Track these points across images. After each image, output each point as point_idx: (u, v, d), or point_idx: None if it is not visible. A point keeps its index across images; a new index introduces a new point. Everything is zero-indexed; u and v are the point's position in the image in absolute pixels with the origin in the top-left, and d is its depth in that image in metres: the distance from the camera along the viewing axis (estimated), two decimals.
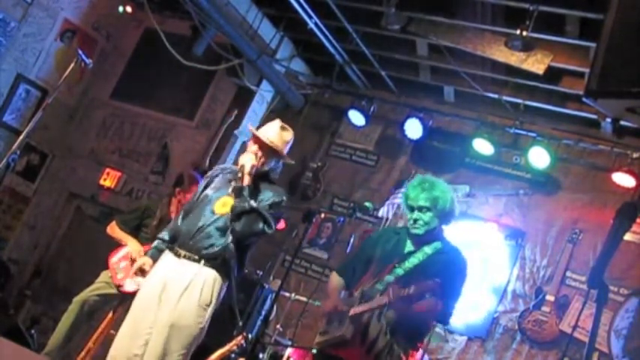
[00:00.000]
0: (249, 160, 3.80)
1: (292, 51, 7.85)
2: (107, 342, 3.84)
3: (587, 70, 5.66)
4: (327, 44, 7.00)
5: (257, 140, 3.88)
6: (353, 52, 7.21)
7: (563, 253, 6.37)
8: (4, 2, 7.44)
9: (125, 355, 3.62)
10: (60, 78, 4.47)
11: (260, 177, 3.85)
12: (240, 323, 5.82)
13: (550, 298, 6.23)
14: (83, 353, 4.72)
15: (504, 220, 6.79)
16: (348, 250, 6.61)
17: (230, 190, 3.83)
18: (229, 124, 7.31)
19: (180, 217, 3.93)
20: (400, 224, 6.58)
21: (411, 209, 3.81)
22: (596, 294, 2.44)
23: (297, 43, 7.82)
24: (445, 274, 3.53)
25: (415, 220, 3.77)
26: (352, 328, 3.56)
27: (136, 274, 3.91)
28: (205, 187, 3.95)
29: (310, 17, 6.60)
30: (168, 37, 6.89)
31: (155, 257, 3.85)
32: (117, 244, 5.35)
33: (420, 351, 5.47)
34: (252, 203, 3.70)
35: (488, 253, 6.65)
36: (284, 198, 3.87)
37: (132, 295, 3.94)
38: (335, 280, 3.98)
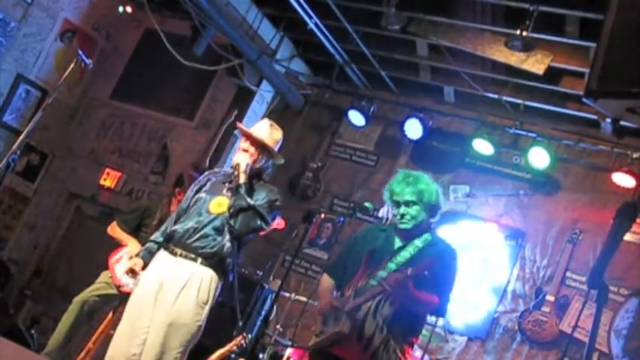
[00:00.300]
0: (243, 158, 3.84)
1: (292, 51, 7.85)
2: (107, 342, 3.84)
3: (587, 70, 5.66)
4: (327, 44, 7.00)
5: (248, 138, 3.91)
6: (353, 52, 7.21)
7: (563, 253, 6.37)
8: (4, 2, 7.44)
9: (123, 355, 3.63)
10: (60, 78, 4.47)
11: (253, 177, 3.88)
12: (240, 323, 5.82)
13: (550, 298, 6.23)
14: (83, 353, 4.72)
15: (504, 221, 6.79)
16: None
17: (225, 190, 3.86)
18: (229, 124, 7.32)
19: (173, 220, 3.95)
20: None
21: (397, 204, 3.79)
22: (596, 294, 2.43)
23: (297, 43, 7.82)
24: (438, 265, 3.51)
25: (402, 215, 3.76)
26: (349, 324, 3.54)
27: (126, 273, 3.92)
28: (197, 192, 3.97)
29: (310, 17, 6.60)
30: (168, 37, 6.89)
31: (146, 258, 3.86)
32: (117, 245, 5.36)
33: (415, 346, 5.48)
34: (250, 200, 3.73)
35: (488, 253, 6.65)
36: (279, 196, 3.91)
37: None
38: (326, 280, 3.93)
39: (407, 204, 3.76)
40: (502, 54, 5.92)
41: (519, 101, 6.81)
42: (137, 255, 3.95)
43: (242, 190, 3.74)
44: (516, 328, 6.32)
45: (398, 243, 3.79)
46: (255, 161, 3.87)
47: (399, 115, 7.41)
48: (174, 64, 6.98)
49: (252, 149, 3.88)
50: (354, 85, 7.82)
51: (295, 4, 6.43)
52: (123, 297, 4.84)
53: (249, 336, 5.17)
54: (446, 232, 6.49)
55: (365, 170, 7.63)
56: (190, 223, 3.79)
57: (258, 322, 6.27)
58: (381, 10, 6.31)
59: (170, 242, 3.82)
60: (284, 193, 7.38)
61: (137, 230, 5.39)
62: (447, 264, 3.69)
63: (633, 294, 5.97)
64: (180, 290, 3.65)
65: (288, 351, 5.62)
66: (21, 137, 4.25)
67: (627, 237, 5.49)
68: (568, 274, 6.30)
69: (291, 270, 5.46)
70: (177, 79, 8.07)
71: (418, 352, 5.56)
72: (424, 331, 5.71)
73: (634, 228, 5.49)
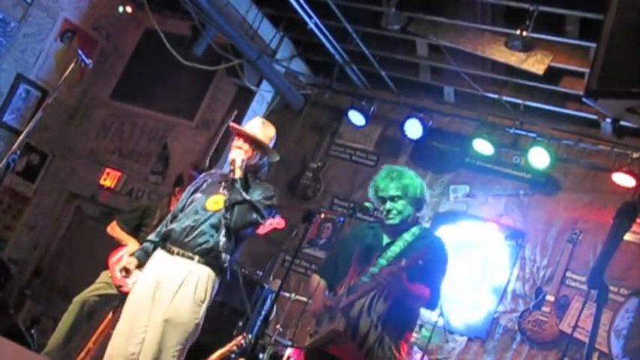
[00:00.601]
0: (239, 154, 3.87)
1: (292, 51, 7.85)
2: (107, 342, 3.84)
3: (587, 70, 5.66)
4: (327, 44, 7.00)
5: (242, 136, 3.93)
6: (353, 52, 7.21)
7: (563, 253, 6.37)
8: (4, 2, 7.44)
9: (122, 355, 3.64)
10: (60, 78, 4.47)
11: (249, 173, 3.91)
12: (240, 323, 5.83)
13: (550, 298, 6.23)
14: (83, 353, 4.73)
15: (504, 221, 6.79)
16: None
17: (222, 188, 3.89)
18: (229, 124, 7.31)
19: (169, 220, 3.97)
20: None
21: (383, 200, 3.80)
22: (596, 294, 2.43)
23: (297, 43, 7.82)
24: (430, 256, 3.51)
25: (389, 211, 3.76)
26: (344, 321, 3.53)
27: (119, 272, 3.94)
28: (193, 193, 4.00)
29: (310, 17, 6.60)
30: (168, 37, 6.89)
31: (141, 258, 3.88)
32: (117, 244, 5.36)
33: (415, 347, 5.45)
34: (245, 195, 3.75)
35: (488, 253, 6.65)
36: (274, 194, 3.94)
37: None
38: (317, 281, 3.89)
39: (392, 199, 3.76)
40: (502, 54, 5.92)
41: (519, 101, 6.81)
42: (132, 254, 3.96)
43: (238, 185, 3.77)
44: (516, 328, 6.32)
45: (386, 239, 3.79)
46: (249, 158, 3.91)
47: (399, 115, 7.41)
48: (174, 64, 6.98)
49: (245, 146, 3.91)
50: (354, 85, 7.82)
51: (295, 4, 6.43)
52: (123, 297, 4.84)
53: (249, 336, 5.17)
54: (446, 232, 6.53)
55: (365, 170, 7.61)
56: (187, 222, 3.81)
57: (258, 322, 6.27)
58: (381, 10, 6.31)
59: (167, 241, 3.83)
60: (284, 193, 7.48)
61: (137, 230, 5.39)
62: (438, 256, 3.68)
63: (633, 294, 5.97)
64: (177, 288, 3.67)
65: (288, 351, 5.62)
66: (21, 137, 4.24)
67: (627, 237, 5.49)
68: (568, 274, 6.30)
69: (291, 270, 5.45)
70: (177, 79, 8.07)
71: (418, 354, 5.56)
72: (424, 332, 5.74)
73: (634, 228, 5.49)
